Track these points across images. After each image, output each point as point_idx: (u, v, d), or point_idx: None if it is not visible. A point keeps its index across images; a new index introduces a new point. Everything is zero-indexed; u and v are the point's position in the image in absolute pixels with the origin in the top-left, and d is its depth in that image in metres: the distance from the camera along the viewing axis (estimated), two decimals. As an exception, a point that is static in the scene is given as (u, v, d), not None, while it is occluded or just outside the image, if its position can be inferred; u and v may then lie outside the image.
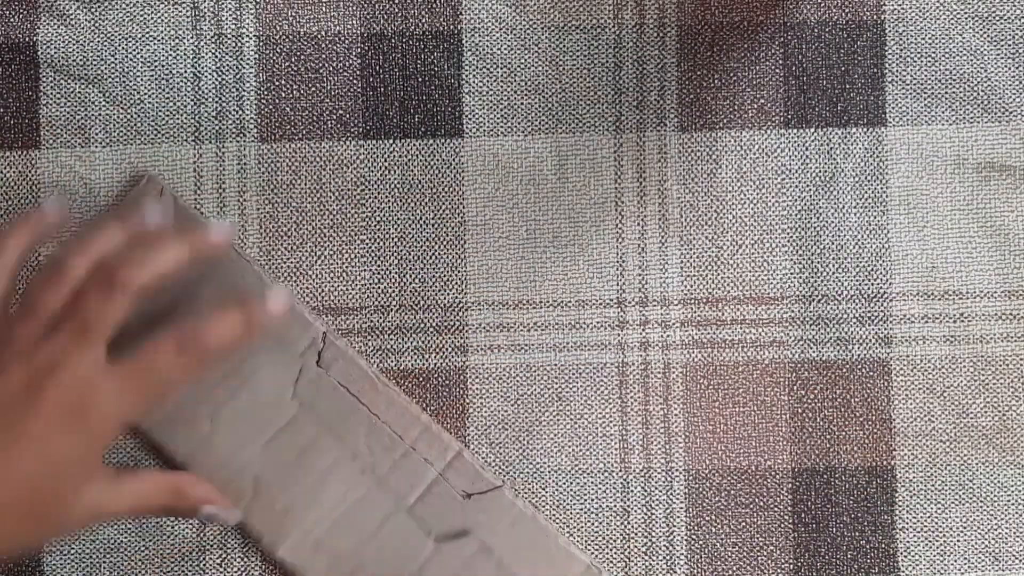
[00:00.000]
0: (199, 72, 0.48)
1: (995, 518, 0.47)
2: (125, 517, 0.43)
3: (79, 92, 0.48)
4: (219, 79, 0.48)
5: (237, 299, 0.42)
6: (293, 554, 0.45)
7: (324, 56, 0.48)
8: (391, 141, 0.48)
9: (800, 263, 0.48)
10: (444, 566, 0.45)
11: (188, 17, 0.48)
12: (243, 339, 0.41)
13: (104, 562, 0.47)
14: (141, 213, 0.42)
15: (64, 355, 0.39)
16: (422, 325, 0.48)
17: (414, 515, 0.46)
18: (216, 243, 0.42)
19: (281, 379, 0.46)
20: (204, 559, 0.47)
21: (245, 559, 0.47)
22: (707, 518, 0.47)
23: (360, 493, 0.46)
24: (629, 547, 0.47)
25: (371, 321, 0.48)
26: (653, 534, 0.47)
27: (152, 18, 0.48)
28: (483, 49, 0.48)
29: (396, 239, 0.48)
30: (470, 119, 0.48)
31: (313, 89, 0.48)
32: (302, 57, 0.48)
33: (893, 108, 0.48)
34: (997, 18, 0.48)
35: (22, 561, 0.46)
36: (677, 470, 0.47)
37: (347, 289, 0.48)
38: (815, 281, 0.48)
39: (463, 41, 0.48)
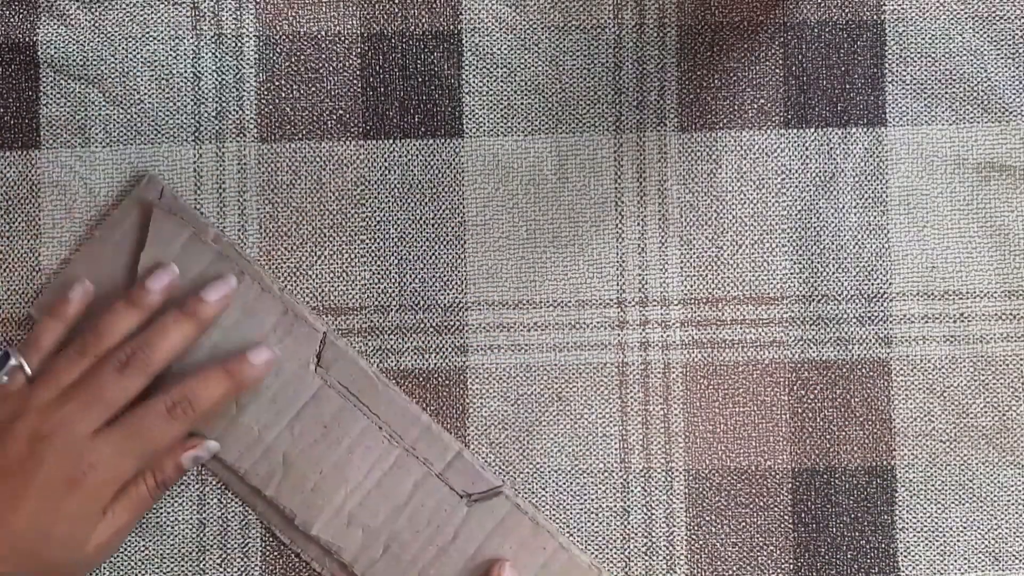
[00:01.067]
0: (199, 72, 0.48)
1: (995, 518, 0.47)
2: (120, 539, 0.45)
3: (79, 92, 0.48)
4: (219, 79, 0.48)
5: (221, 360, 0.45)
6: (327, 531, 0.46)
7: (324, 56, 0.48)
8: (391, 141, 0.48)
9: (800, 263, 0.48)
10: (479, 527, 0.46)
11: (188, 17, 0.48)
12: (231, 396, 0.45)
13: (104, 562, 0.47)
14: (147, 288, 0.45)
15: (66, 422, 0.42)
16: (422, 325, 0.48)
17: (445, 480, 0.46)
18: (220, 307, 0.46)
19: (302, 355, 0.46)
20: (204, 559, 0.47)
21: (245, 559, 0.47)
22: (707, 518, 0.47)
23: (387, 464, 0.46)
24: (629, 547, 0.47)
25: (371, 321, 0.48)
26: (653, 534, 0.47)
27: (152, 18, 0.48)
28: (483, 49, 0.48)
29: (396, 239, 0.48)
30: (470, 119, 0.48)
31: (313, 89, 0.48)
32: (302, 57, 0.48)
33: (893, 108, 0.48)
34: (997, 18, 0.48)
35: None
36: (677, 470, 0.47)
37: (347, 289, 0.48)
38: (815, 281, 0.48)
39: (463, 41, 0.48)
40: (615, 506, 0.47)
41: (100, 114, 0.48)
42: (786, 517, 0.47)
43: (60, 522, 0.42)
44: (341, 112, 0.48)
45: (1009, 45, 0.48)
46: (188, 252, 0.46)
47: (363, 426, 0.46)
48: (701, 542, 0.47)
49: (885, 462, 0.48)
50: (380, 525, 0.46)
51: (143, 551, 0.47)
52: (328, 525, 0.46)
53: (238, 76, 0.48)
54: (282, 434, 0.46)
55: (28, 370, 0.44)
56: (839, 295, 0.48)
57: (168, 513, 0.47)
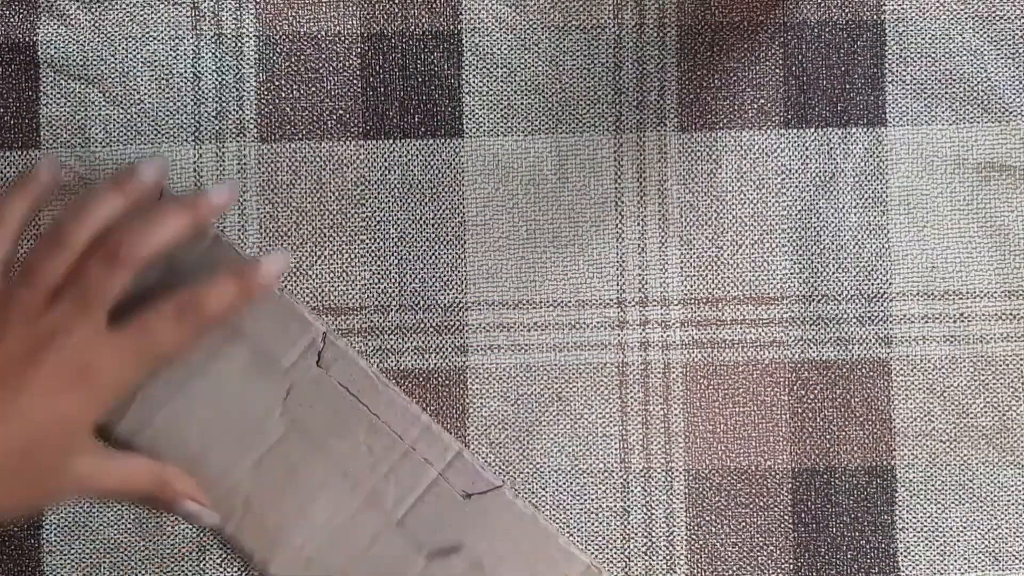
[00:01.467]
0: (199, 72, 0.48)
1: (995, 518, 0.47)
2: (108, 497, 0.42)
3: (79, 92, 0.48)
4: (219, 79, 0.48)
5: (233, 266, 0.42)
6: (284, 570, 0.45)
7: (324, 56, 0.48)
8: (391, 141, 0.48)
9: (800, 263, 0.48)
10: None
11: (188, 17, 0.48)
12: (240, 304, 0.42)
13: (104, 562, 0.47)
14: (137, 174, 0.42)
15: (64, 323, 0.39)
16: (422, 325, 0.48)
17: (405, 530, 0.45)
18: (217, 206, 0.43)
19: (269, 398, 0.45)
20: (204, 559, 0.47)
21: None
22: (707, 518, 0.47)
23: (350, 511, 0.45)
24: (629, 547, 0.47)
25: (371, 321, 0.48)
26: (653, 534, 0.47)
27: (152, 18, 0.48)
28: (483, 49, 0.48)
29: (396, 239, 0.48)
30: (470, 119, 0.48)
31: (313, 89, 0.48)
32: (302, 57, 0.48)
33: (893, 108, 0.48)
34: (997, 18, 0.48)
35: (22, 560, 0.46)
36: (677, 470, 0.47)
37: (347, 289, 0.48)
38: (815, 281, 0.48)
39: (463, 41, 0.48)
40: (615, 506, 0.47)
41: (100, 114, 0.48)
42: (786, 517, 0.47)
43: (56, 427, 0.39)
44: (341, 112, 0.48)
45: (1009, 45, 0.48)
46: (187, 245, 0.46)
47: (325, 473, 0.45)
48: (701, 542, 0.47)
49: (885, 462, 0.48)
50: (338, 571, 0.45)
51: (143, 551, 0.47)
52: (286, 566, 0.45)
53: (238, 76, 0.48)
54: (246, 473, 0.45)
55: None
56: (839, 295, 0.48)
57: (168, 513, 0.47)
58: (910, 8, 0.48)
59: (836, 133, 0.48)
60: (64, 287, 0.40)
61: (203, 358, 0.45)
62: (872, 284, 0.48)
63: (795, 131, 0.48)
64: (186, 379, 0.45)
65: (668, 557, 0.47)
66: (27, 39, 0.47)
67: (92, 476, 0.41)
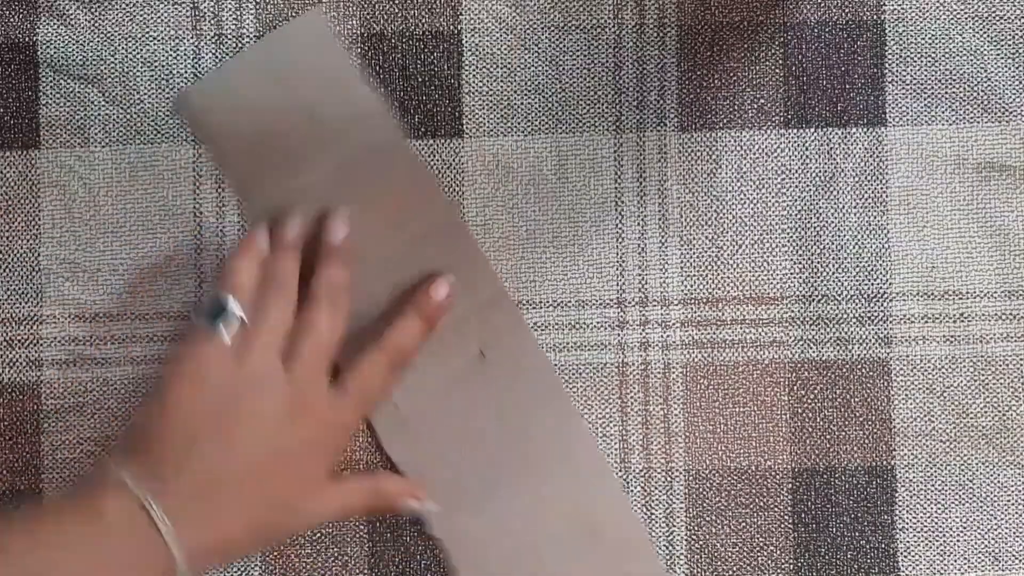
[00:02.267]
0: (199, 72, 0.48)
1: (995, 518, 0.47)
2: (333, 520, 0.46)
3: (79, 92, 0.48)
4: (219, 79, 0.48)
5: (409, 301, 0.46)
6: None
7: (324, 56, 0.48)
8: (391, 141, 0.48)
9: (800, 263, 0.48)
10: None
11: (188, 17, 0.48)
12: (426, 336, 0.46)
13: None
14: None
15: (337, 406, 0.44)
16: (422, 325, 0.48)
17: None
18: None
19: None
20: None
21: (245, 559, 0.47)
22: (707, 518, 0.47)
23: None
24: (629, 547, 0.47)
25: (371, 321, 0.48)
26: (653, 534, 0.47)
27: (152, 18, 0.48)
28: (483, 49, 0.48)
29: (396, 239, 0.48)
30: (470, 119, 0.48)
31: (313, 89, 0.48)
32: (302, 57, 0.48)
33: (893, 108, 0.48)
34: (997, 18, 0.48)
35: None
36: (677, 470, 0.47)
37: (347, 289, 0.48)
38: (815, 281, 0.48)
39: (463, 41, 0.48)
40: (615, 506, 0.47)
41: (100, 114, 0.48)
42: (786, 517, 0.47)
43: (300, 482, 0.43)
44: (341, 112, 0.48)
45: (1009, 45, 0.48)
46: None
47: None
48: (701, 542, 0.47)
49: (885, 462, 0.48)
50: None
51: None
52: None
53: (238, 76, 0.48)
54: None
55: (246, 319, 0.43)
56: (839, 295, 0.48)
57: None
58: (910, 8, 0.48)
59: (836, 133, 0.48)
60: (294, 341, 0.43)
61: None
62: (872, 284, 0.48)
63: (795, 131, 0.48)
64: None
65: (668, 556, 0.47)
66: (27, 39, 0.47)
67: (318, 511, 0.44)
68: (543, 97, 0.48)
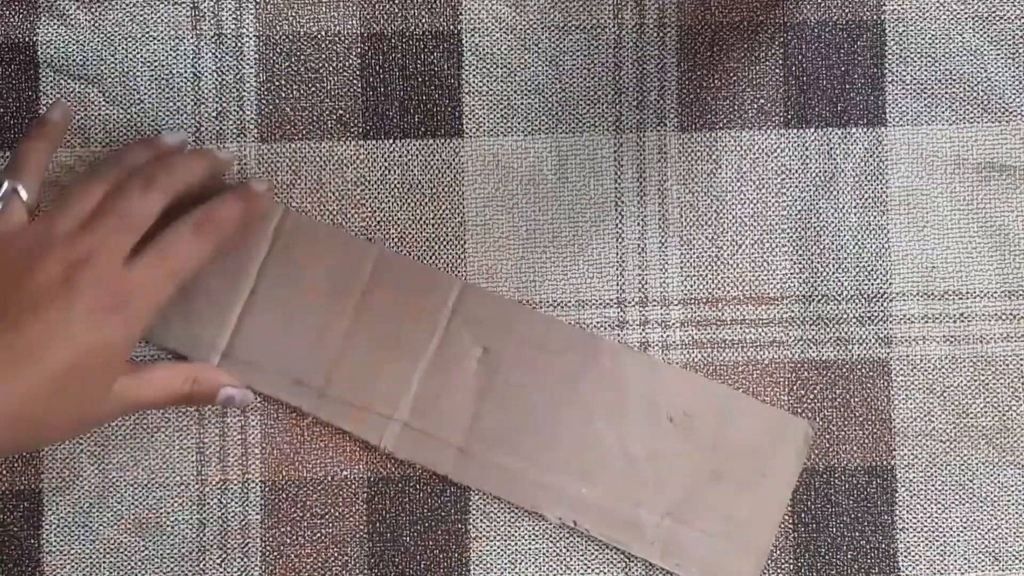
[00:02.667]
0: (199, 72, 0.48)
1: (995, 518, 0.47)
2: (150, 407, 0.43)
3: (79, 92, 0.48)
4: (219, 79, 0.48)
5: (235, 187, 0.45)
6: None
7: (324, 56, 0.48)
8: (391, 141, 0.48)
9: (800, 263, 0.48)
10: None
11: (188, 17, 0.48)
12: (245, 217, 0.44)
13: (104, 562, 0.47)
14: (161, 138, 0.46)
15: (100, 247, 0.40)
16: (422, 325, 0.48)
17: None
18: (227, 161, 0.46)
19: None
20: (204, 559, 0.47)
21: (245, 559, 0.47)
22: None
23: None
24: (632, 556, 0.47)
25: (371, 321, 0.48)
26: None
27: (152, 18, 0.48)
28: (483, 49, 0.48)
29: (396, 239, 0.48)
30: (470, 119, 0.48)
31: (313, 89, 0.48)
32: (302, 57, 0.48)
33: (893, 108, 0.48)
34: (997, 18, 0.48)
35: (22, 560, 0.46)
36: (677, 470, 0.47)
37: (347, 289, 0.48)
38: (815, 281, 0.48)
39: (463, 41, 0.48)
40: (615, 506, 0.47)
41: (100, 114, 0.48)
42: (786, 517, 0.47)
43: (100, 350, 0.40)
44: (341, 112, 0.48)
45: (1009, 45, 0.48)
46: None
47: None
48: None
49: (885, 462, 0.48)
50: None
51: (143, 551, 0.47)
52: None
53: (238, 76, 0.48)
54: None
55: (24, 195, 0.42)
56: (839, 295, 0.48)
57: (168, 513, 0.47)
58: (910, 8, 0.48)
59: (836, 133, 0.48)
60: (99, 212, 0.41)
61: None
62: (872, 284, 0.48)
63: (795, 131, 0.48)
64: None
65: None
66: (27, 39, 0.47)
67: (132, 394, 0.42)
68: (543, 97, 0.48)
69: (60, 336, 0.39)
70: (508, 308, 0.47)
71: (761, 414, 0.46)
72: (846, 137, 0.48)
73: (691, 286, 0.48)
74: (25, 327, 0.39)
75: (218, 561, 0.47)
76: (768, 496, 0.46)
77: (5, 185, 0.42)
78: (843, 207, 0.48)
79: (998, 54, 0.48)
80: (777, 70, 0.48)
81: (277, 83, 0.48)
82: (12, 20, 0.47)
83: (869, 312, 0.48)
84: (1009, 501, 0.47)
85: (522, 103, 0.48)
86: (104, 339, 0.40)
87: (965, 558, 0.47)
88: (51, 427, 0.40)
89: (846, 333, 0.48)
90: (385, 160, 0.48)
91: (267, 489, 0.47)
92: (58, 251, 0.40)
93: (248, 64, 0.48)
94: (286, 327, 0.46)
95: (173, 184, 0.43)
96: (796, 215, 0.48)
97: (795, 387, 0.48)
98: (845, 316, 0.48)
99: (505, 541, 0.47)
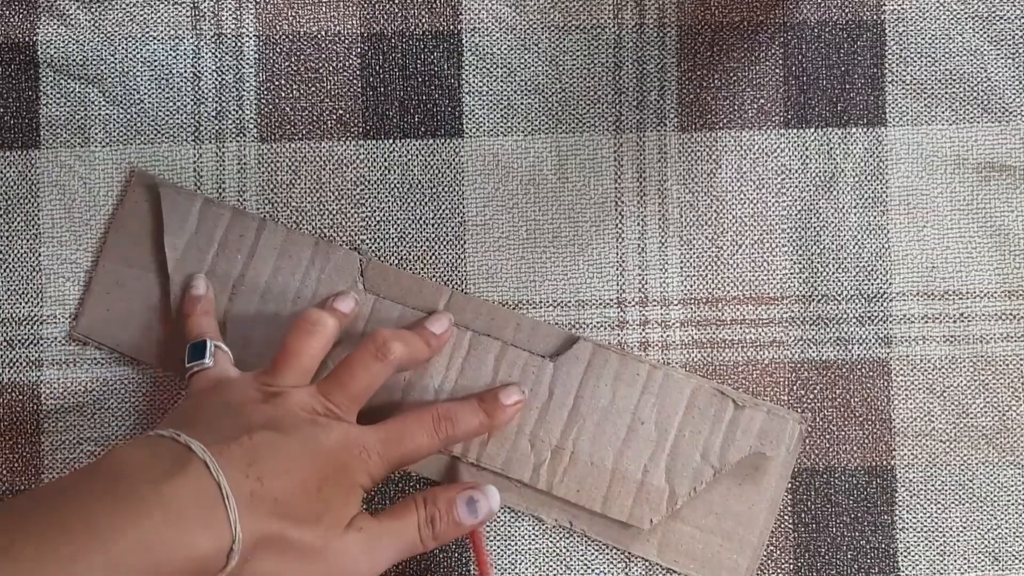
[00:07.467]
0: (199, 72, 0.48)
1: (995, 518, 0.47)
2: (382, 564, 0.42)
3: (79, 92, 0.48)
4: (219, 79, 0.48)
5: (476, 394, 0.46)
6: None
7: (324, 56, 0.48)
8: (391, 141, 0.48)
9: (800, 263, 0.48)
10: (569, 377, 0.47)
11: (188, 17, 0.48)
12: (483, 432, 0.45)
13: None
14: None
15: (335, 408, 0.42)
16: (422, 325, 0.48)
17: (521, 346, 0.47)
18: (443, 340, 0.46)
19: (347, 274, 0.47)
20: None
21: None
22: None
23: (464, 347, 0.47)
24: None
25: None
26: (653, 534, 0.47)
27: (152, 18, 0.48)
28: (483, 49, 0.48)
29: (396, 239, 0.48)
30: (470, 119, 0.48)
31: (313, 89, 0.48)
32: (302, 57, 0.48)
33: (893, 108, 0.48)
34: (997, 18, 0.48)
35: None
36: (677, 470, 0.47)
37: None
38: (815, 281, 0.48)
39: (463, 41, 0.48)
40: (615, 506, 0.47)
41: (100, 114, 0.48)
42: (786, 517, 0.47)
43: (336, 526, 0.40)
44: (341, 112, 0.48)
45: (1009, 45, 0.48)
46: (205, 217, 0.47)
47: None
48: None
49: (885, 462, 0.48)
50: None
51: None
52: None
53: (238, 76, 0.48)
54: None
55: (226, 349, 0.45)
56: (839, 295, 0.48)
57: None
58: (910, 8, 0.48)
59: (836, 133, 0.48)
60: (336, 375, 0.43)
61: (272, 261, 0.47)
62: (872, 284, 0.48)
63: (795, 131, 0.48)
64: (269, 282, 0.48)
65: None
66: (27, 39, 0.47)
67: (351, 554, 0.41)
68: (543, 97, 0.48)
69: (294, 476, 0.39)
70: (494, 311, 0.47)
71: (751, 409, 0.46)
72: (846, 137, 0.48)
73: (691, 286, 0.48)
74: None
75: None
76: (763, 491, 0.46)
77: (208, 343, 0.44)
78: (843, 207, 0.48)
79: (998, 54, 0.48)
80: (777, 70, 0.48)
81: (277, 83, 0.48)
82: (12, 20, 0.47)
83: (869, 312, 0.48)
84: (1009, 501, 0.47)
85: (522, 103, 0.48)
86: (342, 517, 0.41)
87: (965, 558, 0.47)
88: None
89: (846, 333, 0.48)
90: (385, 160, 0.48)
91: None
92: (302, 409, 0.41)
93: (248, 64, 0.48)
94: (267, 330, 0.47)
95: (394, 361, 0.43)
96: (796, 215, 0.48)
97: (795, 387, 0.48)
98: (845, 316, 0.48)
99: (505, 541, 0.47)
